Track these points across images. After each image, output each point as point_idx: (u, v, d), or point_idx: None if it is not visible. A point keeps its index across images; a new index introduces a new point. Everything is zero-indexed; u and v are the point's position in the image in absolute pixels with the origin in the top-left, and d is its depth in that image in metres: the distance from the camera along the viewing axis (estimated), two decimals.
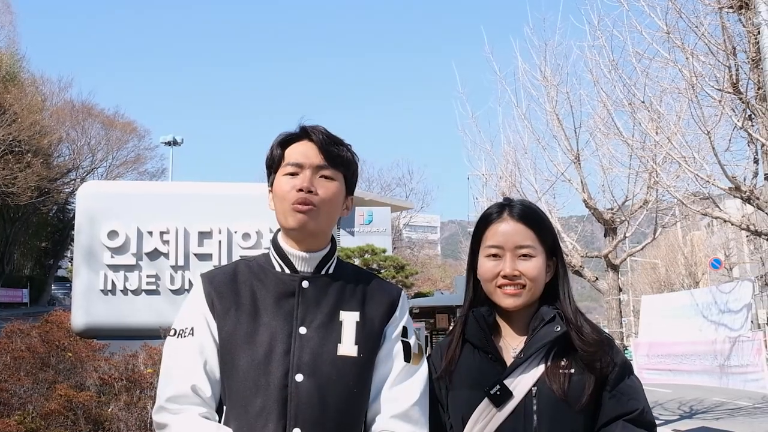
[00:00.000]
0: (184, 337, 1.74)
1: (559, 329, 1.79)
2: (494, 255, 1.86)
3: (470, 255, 1.96)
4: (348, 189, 1.87)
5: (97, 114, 39.75)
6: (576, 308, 1.88)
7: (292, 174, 1.78)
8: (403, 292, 1.92)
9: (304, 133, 1.81)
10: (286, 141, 1.83)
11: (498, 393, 1.75)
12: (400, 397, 1.75)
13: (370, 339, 1.78)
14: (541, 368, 1.77)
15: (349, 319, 1.77)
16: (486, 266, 1.87)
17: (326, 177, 1.79)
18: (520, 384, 1.76)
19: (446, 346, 1.91)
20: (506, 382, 1.76)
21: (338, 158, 1.81)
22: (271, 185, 1.84)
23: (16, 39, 35.22)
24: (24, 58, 34.97)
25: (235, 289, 1.78)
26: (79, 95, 49.28)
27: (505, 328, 1.90)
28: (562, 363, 1.78)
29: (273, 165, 1.84)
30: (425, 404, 1.79)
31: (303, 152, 1.79)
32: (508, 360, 1.82)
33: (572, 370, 1.77)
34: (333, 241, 1.88)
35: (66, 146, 38.34)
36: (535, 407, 1.74)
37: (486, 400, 1.76)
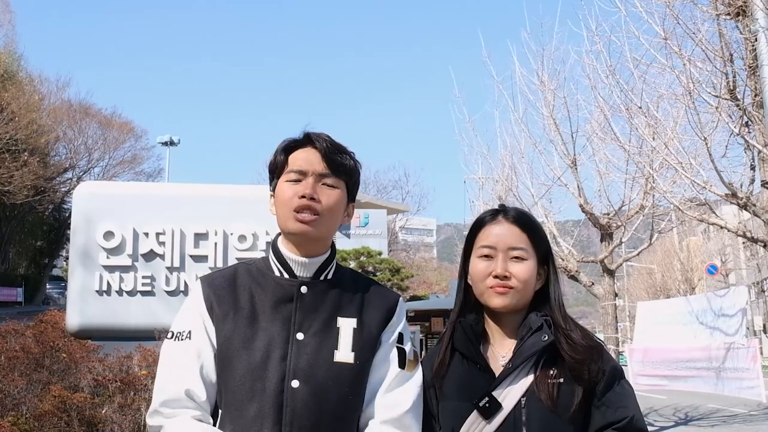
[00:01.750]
0: (181, 340, 1.74)
1: (546, 338, 1.78)
2: (486, 255, 1.86)
3: (462, 259, 1.97)
4: (350, 196, 1.87)
5: (95, 113, 39.63)
6: (566, 315, 1.87)
7: (294, 180, 1.79)
8: (400, 298, 1.92)
9: (307, 140, 1.82)
10: (289, 147, 1.84)
11: (487, 405, 1.74)
12: (393, 403, 1.75)
13: (367, 346, 1.77)
14: (530, 378, 1.77)
15: (347, 326, 1.77)
16: (478, 267, 1.87)
17: (329, 185, 1.79)
18: (509, 395, 1.76)
19: (435, 355, 1.91)
20: (495, 393, 1.76)
21: (341, 167, 1.81)
22: (273, 189, 1.85)
23: (15, 38, 35.25)
24: (22, 57, 34.93)
25: (234, 293, 1.78)
26: (77, 95, 49.26)
27: (494, 336, 1.90)
28: (551, 372, 1.77)
29: (276, 170, 1.85)
30: (419, 412, 1.79)
31: (306, 159, 1.80)
32: (497, 369, 1.81)
33: (561, 380, 1.76)
34: (333, 246, 1.89)
35: (63, 145, 38.21)
36: (524, 418, 1.74)
37: (475, 412, 1.76)
